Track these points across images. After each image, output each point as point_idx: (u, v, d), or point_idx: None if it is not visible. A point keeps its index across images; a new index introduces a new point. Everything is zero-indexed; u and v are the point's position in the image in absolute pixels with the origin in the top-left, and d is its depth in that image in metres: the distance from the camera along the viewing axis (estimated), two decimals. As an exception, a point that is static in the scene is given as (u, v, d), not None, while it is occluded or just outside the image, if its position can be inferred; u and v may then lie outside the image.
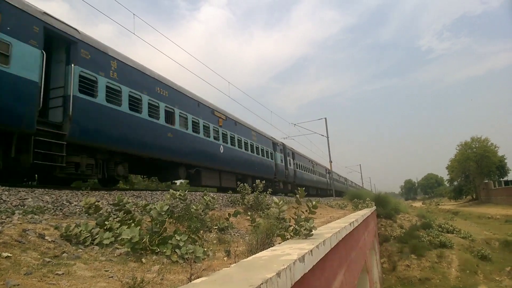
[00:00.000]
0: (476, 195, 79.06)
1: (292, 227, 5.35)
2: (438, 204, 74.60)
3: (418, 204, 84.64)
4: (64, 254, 4.33)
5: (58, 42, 10.57)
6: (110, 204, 7.64)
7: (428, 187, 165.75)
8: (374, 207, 24.87)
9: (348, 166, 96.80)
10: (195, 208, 7.52)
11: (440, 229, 28.08)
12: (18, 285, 2.96)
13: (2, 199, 6.45)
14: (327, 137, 37.44)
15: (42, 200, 7.03)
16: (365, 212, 15.19)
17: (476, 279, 21.23)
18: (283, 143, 30.93)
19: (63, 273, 3.57)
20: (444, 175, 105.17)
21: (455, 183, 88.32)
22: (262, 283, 2.23)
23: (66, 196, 7.86)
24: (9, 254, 3.83)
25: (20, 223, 5.05)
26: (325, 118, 37.39)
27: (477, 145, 77.46)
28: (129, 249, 4.82)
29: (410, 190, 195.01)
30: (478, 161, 73.93)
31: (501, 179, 71.27)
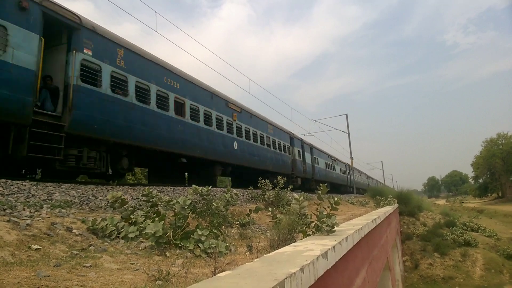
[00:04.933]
0: (502, 192, 77.13)
1: (314, 223, 5.34)
2: (463, 202, 72.84)
3: (441, 201, 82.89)
4: (91, 247, 4.44)
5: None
6: (134, 199, 7.78)
7: (452, 184, 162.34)
8: (397, 205, 24.54)
9: (369, 163, 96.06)
10: (215, 205, 7.59)
11: (464, 227, 27.45)
12: (49, 276, 3.05)
13: (30, 193, 6.64)
14: (348, 134, 36.98)
15: (69, 195, 7.20)
16: (387, 210, 15.01)
17: (502, 278, 20.71)
18: (348, 164, 46.94)
19: (90, 265, 3.66)
20: (469, 172, 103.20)
21: (480, 180, 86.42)
22: (286, 278, 2.24)
23: (92, 191, 8.03)
24: (39, 247, 3.95)
25: (49, 217, 5.20)
26: (346, 114, 36.84)
27: (503, 142, 75.47)
28: (154, 243, 4.91)
29: (433, 187, 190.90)
30: (504, 158, 72.03)
31: (529, 177, 69.27)
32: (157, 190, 9.71)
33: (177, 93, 13.24)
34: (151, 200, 6.38)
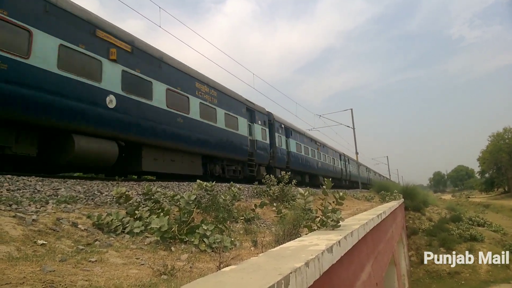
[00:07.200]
0: (508, 187, 76.68)
1: (319, 218, 5.32)
2: (469, 197, 72.65)
3: (447, 196, 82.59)
4: (97, 242, 4.45)
5: None
6: (139, 194, 7.79)
7: (458, 179, 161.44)
8: (402, 200, 24.44)
9: (375, 158, 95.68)
10: (223, 198, 7.59)
11: (470, 222, 27.20)
12: (54, 271, 3.06)
13: (36, 189, 6.66)
14: (353, 128, 36.80)
15: (74, 190, 7.22)
16: (392, 204, 14.97)
17: (508, 273, 20.56)
18: (368, 166, 62.47)
19: (96, 260, 3.67)
20: (475, 167, 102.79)
21: (487, 175, 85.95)
22: (291, 272, 2.23)
23: (97, 186, 8.05)
24: (44, 242, 3.96)
25: (54, 212, 5.21)
26: (351, 109, 36.69)
27: (509, 136, 74.89)
28: (159, 238, 4.92)
29: (439, 182, 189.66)
30: (511, 153, 71.47)
31: (536, 171, 68.71)
32: (161, 186, 9.77)
33: (300, 142, 26.63)
34: (152, 197, 6.39)
